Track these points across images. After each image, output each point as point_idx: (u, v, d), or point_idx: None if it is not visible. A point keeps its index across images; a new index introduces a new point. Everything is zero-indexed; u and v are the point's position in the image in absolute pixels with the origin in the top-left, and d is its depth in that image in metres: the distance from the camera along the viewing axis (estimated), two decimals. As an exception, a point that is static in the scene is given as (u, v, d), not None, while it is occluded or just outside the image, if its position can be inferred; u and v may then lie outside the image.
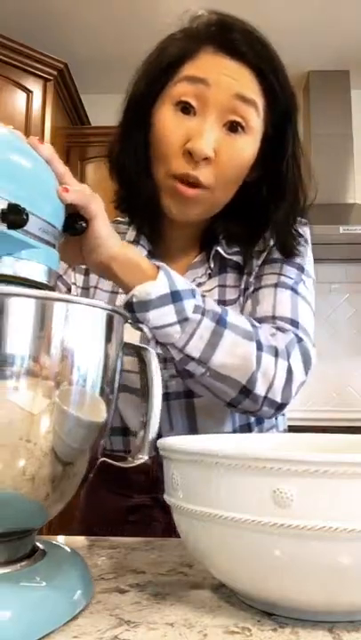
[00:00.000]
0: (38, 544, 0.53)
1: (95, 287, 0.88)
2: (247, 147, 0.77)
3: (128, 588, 0.53)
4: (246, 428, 0.85)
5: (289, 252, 0.84)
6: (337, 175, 3.11)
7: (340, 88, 3.26)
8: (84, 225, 0.60)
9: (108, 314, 0.49)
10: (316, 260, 0.91)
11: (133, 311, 0.65)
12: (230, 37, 0.76)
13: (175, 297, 0.66)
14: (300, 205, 0.84)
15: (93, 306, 0.48)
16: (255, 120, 0.77)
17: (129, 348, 0.56)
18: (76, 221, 0.59)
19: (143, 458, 0.56)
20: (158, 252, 0.88)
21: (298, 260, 0.85)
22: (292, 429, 0.94)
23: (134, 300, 0.65)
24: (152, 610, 0.47)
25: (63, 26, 2.92)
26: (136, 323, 0.66)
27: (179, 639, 0.42)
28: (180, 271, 0.85)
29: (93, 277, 0.89)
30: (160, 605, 0.48)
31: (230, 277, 0.86)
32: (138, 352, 0.57)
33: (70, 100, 3.06)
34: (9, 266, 0.47)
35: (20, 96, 2.77)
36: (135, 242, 0.86)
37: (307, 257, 0.87)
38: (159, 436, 0.80)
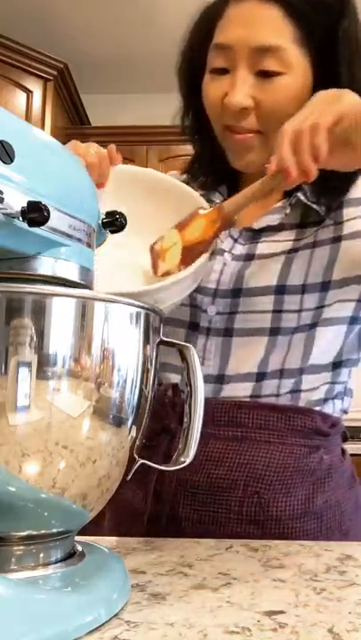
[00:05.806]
0: (78, 546, 0.51)
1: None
2: (288, 85, 0.79)
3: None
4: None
5: None
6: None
7: (340, 88, 3.26)
8: (123, 222, 0.57)
9: (145, 312, 0.49)
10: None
11: None
12: None
13: None
14: None
15: (131, 305, 0.48)
16: (287, 58, 0.78)
17: (170, 346, 0.55)
18: (115, 218, 0.56)
19: (186, 461, 0.54)
20: None
21: None
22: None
23: None
24: (152, 610, 0.47)
25: (63, 26, 2.92)
26: None
27: (179, 639, 0.42)
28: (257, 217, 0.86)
29: None
30: (160, 605, 0.48)
31: (308, 230, 0.84)
32: (180, 350, 0.56)
33: (70, 100, 3.06)
34: (49, 266, 0.47)
35: (20, 96, 2.77)
36: (213, 189, 0.90)
37: None
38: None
